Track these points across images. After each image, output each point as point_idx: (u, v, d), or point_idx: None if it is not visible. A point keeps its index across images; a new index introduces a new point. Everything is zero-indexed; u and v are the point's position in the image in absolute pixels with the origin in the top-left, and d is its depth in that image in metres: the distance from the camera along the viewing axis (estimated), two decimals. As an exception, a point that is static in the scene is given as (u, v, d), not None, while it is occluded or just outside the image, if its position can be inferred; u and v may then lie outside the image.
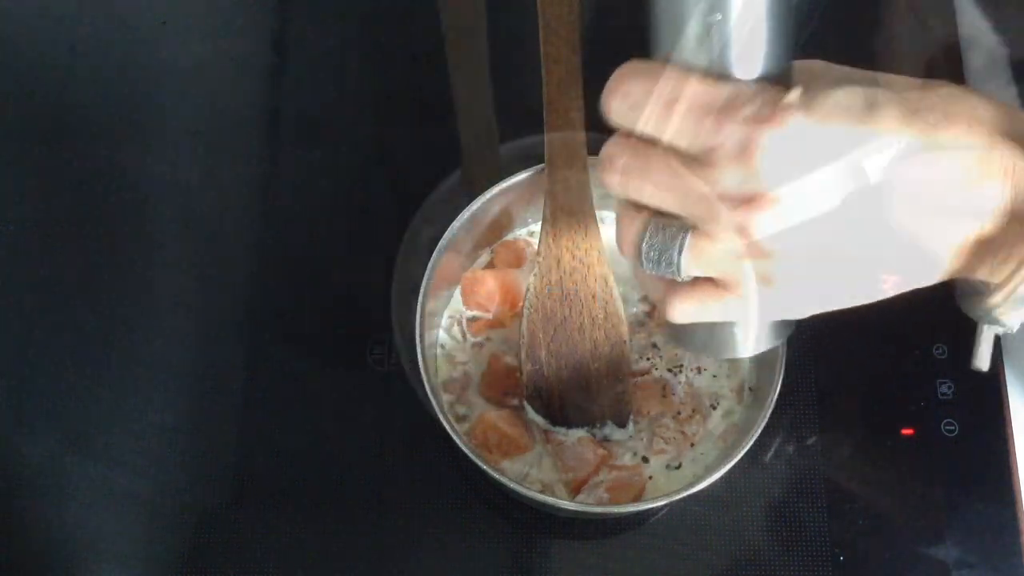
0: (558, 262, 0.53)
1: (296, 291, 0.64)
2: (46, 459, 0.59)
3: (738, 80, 0.36)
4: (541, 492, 0.53)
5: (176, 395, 0.61)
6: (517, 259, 0.60)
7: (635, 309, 0.59)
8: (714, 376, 0.57)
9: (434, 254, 0.54)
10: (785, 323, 0.44)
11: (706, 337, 0.44)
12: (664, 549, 0.57)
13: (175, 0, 0.72)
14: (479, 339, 0.58)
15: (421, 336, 0.53)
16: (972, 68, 0.67)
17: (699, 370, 0.57)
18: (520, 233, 0.61)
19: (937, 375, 0.59)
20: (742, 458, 0.51)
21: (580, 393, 0.55)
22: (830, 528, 0.57)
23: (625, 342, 0.54)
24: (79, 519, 0.58)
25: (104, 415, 0.60)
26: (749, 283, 0.38)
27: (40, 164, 0.67)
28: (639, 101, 0.37)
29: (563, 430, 0.56)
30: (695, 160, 0.36)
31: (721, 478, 0.50)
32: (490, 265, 0.60)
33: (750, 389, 0.57)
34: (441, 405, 0.52)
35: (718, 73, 0.36)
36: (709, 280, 0.39)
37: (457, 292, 0.59)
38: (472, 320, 0.59)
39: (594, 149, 0.51)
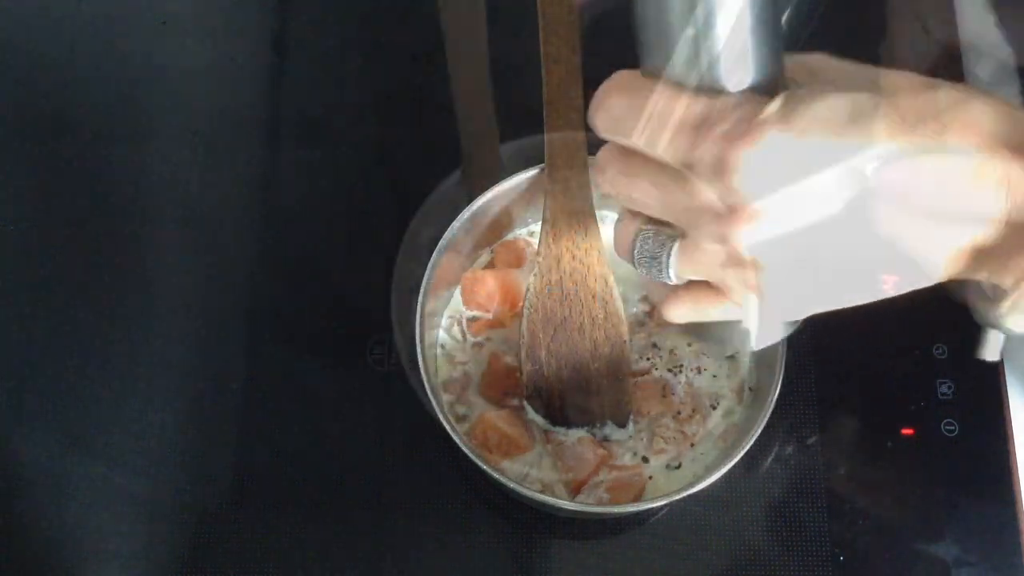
0: (558, 262, 0.53)
1: (296, 291, 0.64)
2: (46, 459, 0.59)
3: (721, 93, 0.35)
4: (541, 492, 0.53)
5: (176, 395, 0.61)
6: (517, 259, 0.60)
7: (635, 309, 0.59)
8: (714, 376, 0.57)
9: (434, 254, 0.54)
10: (791, 322, 0.44)
11: (713, 330, 0.44)
12: (664, 549, 0.57)
13: (175, 0, 0.72)
14: (479, 339, 0.58)
15: (421, 336, 0.53)
16: (972, 70, 0.67)
17: (699, 370, 0.57)
18: (520, 233, 0.61)
19: (937, 375, 0.59)
20: (742, 458, 0.51)
21: (580, 393, 0.55)
22: (830, 528, 0.57)
23: (625, 342, 0.54)
24: (79, 519, 0.58)
25: (104, 415, 0.60)
26: (740, 288, 0.38)
27: (40, 164, 0.67)
28: (622, 116, 0.37)
29: (563, 430, 0.56)
30: (676, 172, 0.36)
31: (721, 478, 0.50)
32: (490, 265, 0.60)
33: (750, 389, 0.57)
34: (441, 405, 0.52)
35: (706, 84, 0.36)
36: (704, 283, 0.40)
37: (457, 292, 0.59)
38: (472, 320, 0.59)
39: (594, 149, 0.51)
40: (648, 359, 0.58)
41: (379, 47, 0.71)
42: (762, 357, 0.56)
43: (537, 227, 0.57)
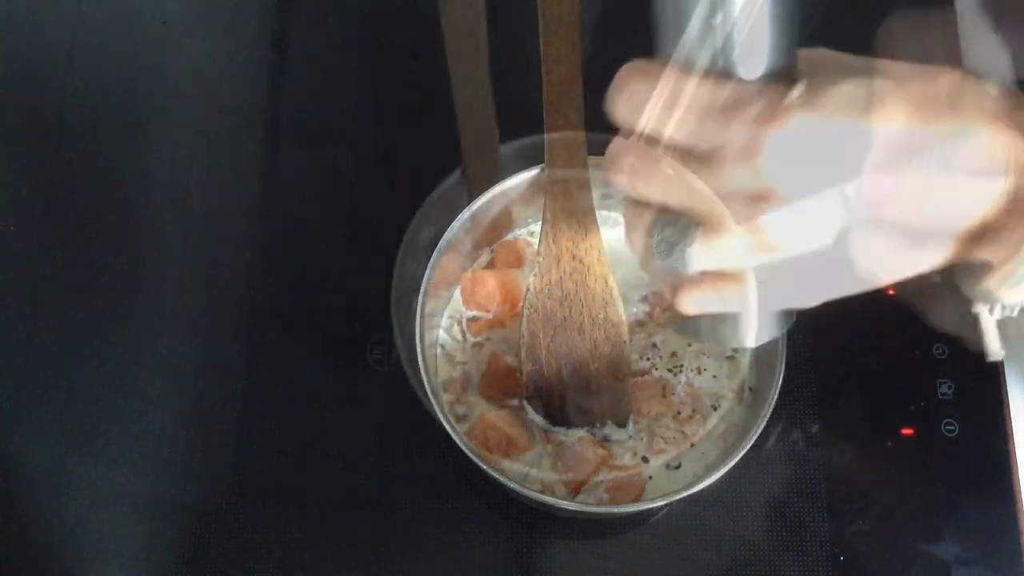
0: (558, 262, 0.53)
1: (296, 291, 0.64)
2: (46, 459, 0.59)
3: (741, 79, 0.36)
4: (541, 492, 0.53)
5: (176, 395, 0.61)
6: (517, 259, 0.60)
7: (635, 309, 0.59)
8: (714, 376, 0.57)
9: (434, 254, 0.54)
10: (787, 313, 0.44)
11: (712, 327, 0.44)
12: (664, 549, 0.57)
13: (175, 0, 0.72)
14: (479, 339, 0.58)
15: (421, 336, 0.53)
16: (972, 68, 0.67)
17: (699, 370, 0.57)
18: (520, 233, 0.61)
19: (937, 375, 0.59)
20: (742, 458, 0.51)
21: (580, 393, 0.55)
22: (830, 528, 0.57)
23: (625, 342, 0.54)
24: (79, 519, 0.58)
25: (104, 415, 0.60)
26: (758, 275, 0.38)
27: (40, 164, 0.67)
28: (643, 101, 0.37)
29: (563, 430, 0.56)
30: (700, 158, 0.36)
31: (721, 478, 0.50)
32: (490, 265, 0.60)
33: (750, 389, 0.57)
34: (441, 405, 0.52)
35: (722, 72, 0.36)
36: (718, 271, 0.40)
37: (457, 292, 0.59)
38: (472, 320, 0.59)
39: (594, 149, 0.51)
40: (648, 359, 0.58)
41: (379, 47, 0.71)
42: (762, 357, 0.56)
43: (537, 227, 0.57)
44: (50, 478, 0.59)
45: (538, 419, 0.56)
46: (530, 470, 0.55)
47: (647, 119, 0.37)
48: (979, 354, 0.42)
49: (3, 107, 0.69)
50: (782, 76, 0.36)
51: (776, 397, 0.52)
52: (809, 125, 0.34)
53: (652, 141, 0.38)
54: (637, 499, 0.54)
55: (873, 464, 0.59)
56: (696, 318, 0.44)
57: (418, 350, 0.53)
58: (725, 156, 0.36)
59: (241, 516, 0.58)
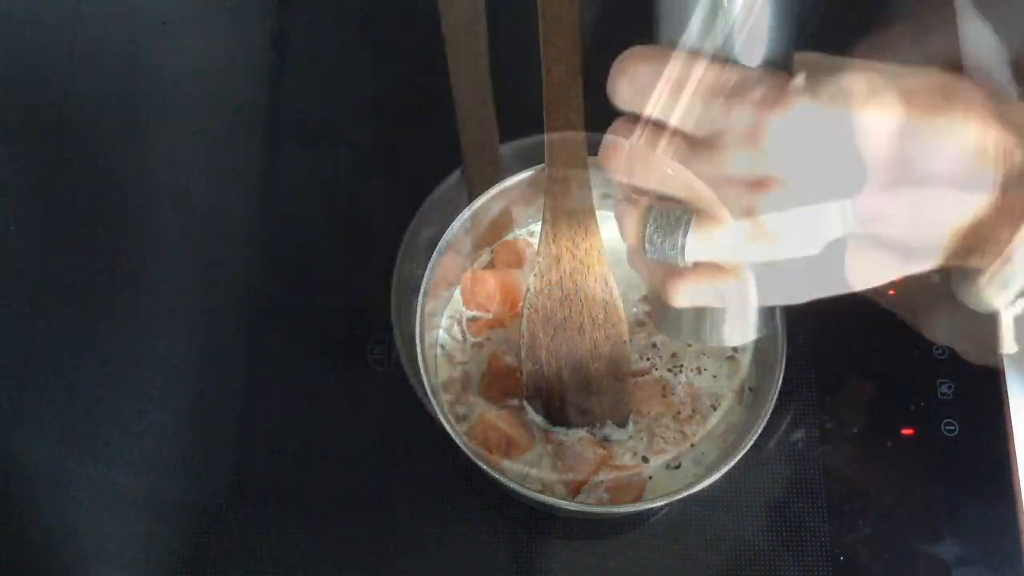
0: (558, 262, 0.53)
1: (296, 291, 0.64)
2: (46, 459, 0.59)
3: (743, 66, 0.36)
4: (541, 492, 0.53)
5: (176, 395, 0.61)
6: (517, 259, 0.60)
7: (635, 309, 0.59)
8: (714, 376, 0.57)
9: (434, 254, 0.54)
10: (769, 313, 0.44)
11: (694, 324, 0.44)
12: (664, 549, 0.57)
13: (175, 0, 0.72)
14: (479, 339, 0.58)
15: (421, 336, 0.53)
16: (972, 69, 0.67)
17: (699, 370, 0.57)
18: (520, 233, 0.61)
19: (937, 375, 0.59)
20: (742, 458, 0.51)
21: (580, 393, 0.55)
22: (830, 528, 0.57)
23: (625, 342, 0.54)
24: (79, 519, 0.58)
25: (104, 415, 0.60)
26: (752, 266, 0.38)
27: (40, 164, 0.67)
28: (646, 84, 0.37)
29: (563, 430, 0.56)
30: (701, 143, 0.37)
31: (721, 478, 0.50)
32: (490, 265, 0.60)
33: (750, 389, 0.57)
34: (441, 405, 0.52)
35: (722, 59, 0.36)
36: (711, 263, 0.40)
37: (457, 292, 0.59)
38: (472, 320, 0.59)
39: (594, 149, 0.51)
40: (648, 359, 0.58)
41: (379, 47, 0.71)
42: (762, 357, 0.56)
43: (537, 227, 0.57)
44: (50, 478, 0.59)
45: (538, 419, 0.56)
46: (530, 470, 0.55)
47: (649, 103, 0.37)
48: (976, 365, 0.43)
49: (3, 107, 0.69)
50: (781, 67, 0.37)
51: (776, 397, 0.52)
52: (811, 111, 0.35)
53: (652, 125, 0.38)
54: (637, 499, 0.54)
55: (873, 464, 0.59)
56: (677, 316, 0.43)
57: (418, 350, 0.53)
58: (727, 141, 0.36)
59: (241, 516, 0.58)
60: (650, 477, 0.55)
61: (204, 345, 0.62)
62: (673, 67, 0.36)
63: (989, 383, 0.59)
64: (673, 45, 0.37)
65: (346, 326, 0.62)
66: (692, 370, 0.57)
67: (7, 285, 0.64)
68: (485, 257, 0.60)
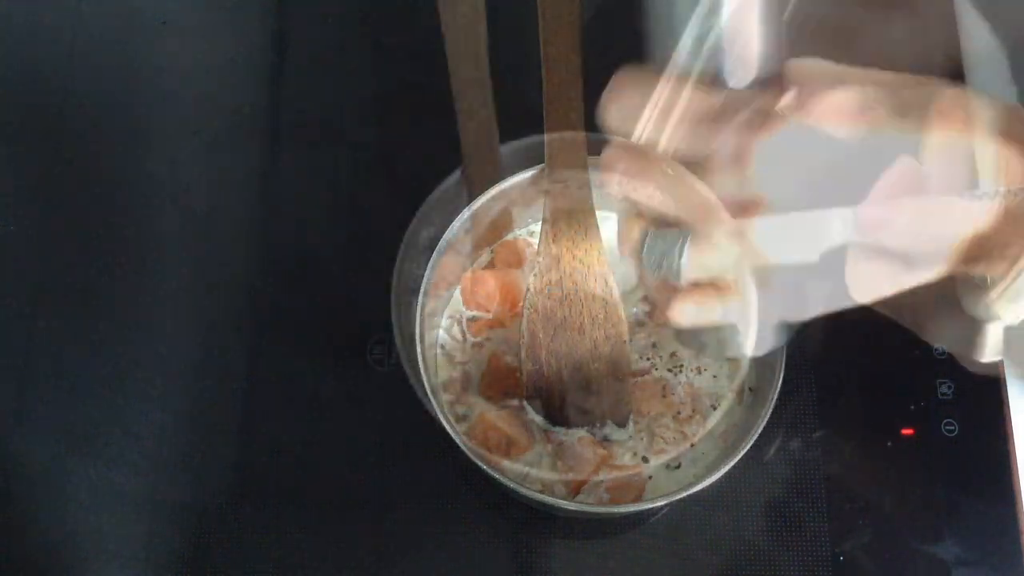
0: (558, 262, 0.53)
1: (296, 291, 0.64)
2: (46, 459, 0.59)
3: (732, 87, 0.36)
4: (541, 492, 0.53)
5: (176, 395, 0.61)
6: (517, 259, 0.60)
7: (635, 309, 0.59)
8: (714, 376, 0.57)
9: (434, 254, 0.54)
10: (788, 324, 0.44)
11: (709, 337, 0.44)
12: (664, 549, 0.57)
13: (175, 0, 0.72)
14: (479, 339, 0.58)
15: (421, 336, 0.53)
16: (972, 68, 0.67)
17: (699, 370, 0.57)
18: (520, 233, 0.61)
19: (937, 375, 0.59)
20: (742, 458, 0.51)
21: (580, 393, 0.55)
22: (830, 528, 0.57)
23: (625, 342, 0.54)
24: (79, 519, 0.58)
25: (104, 415, 0.60)
26: (749, 286, 0.38)
27: (40, 164, 0.67)
28: (635, 110, 0.37)
29: (563, 430, 0.56)
30: (692, 166, 0.37)
31: (721, 478, 0.50)
32: (490, 265, 0.60)
33: (750, 389, 0.57)
34: (441, 405, 0.52)
35: (713, 80, 0.36)
36: (710, 283, 0.40)
37: (457, 292, 0.59)
38: (472, 320, 0.59)
39: (594, 149, 0.51)
40: (648, 359, 0.58)
41: (379, 47, 0.71)
42: (762, 357, 0.56)
43: (537, 227, 0.57)
44: (50, 478, 0.59)
45: (538, 419, 0.56)
46: (530, 470, 0.55)
47: (638, 128, 0.37)
48: (977, 372, 0.42)
49: (3, 107, 0.69)
50: (772, 84, 0.36)
51: (776, 397, 0.52)
52: (798, 133, 0.34)
53: (644, 148, 0.38)
54: (637, 499, 0.54)
55: (873, 464, 0.59)
56: (695, 328, 0.44)
57: (418, 350, 0.53)
58: (715, 164, 0.36)
59: (241, 516, 0.58)
60: (650, 477, 0.55)
61: (204, 345, 0.62)
62: (659, 92, 0.36)
63: (989, 383, 0.59)
64: (664, 64, 0.37)
65: (346, 326, 0.62)
66: (692, 370, 0.57)
67: (7, 285, 0.64)
68: (485, 257, 0.60)
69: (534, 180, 0.55)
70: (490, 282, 0.58)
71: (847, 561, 0.56)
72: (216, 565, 0.57)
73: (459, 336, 0.59)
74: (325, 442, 0.60)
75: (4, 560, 0.58)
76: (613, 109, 0.38)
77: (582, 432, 0.56)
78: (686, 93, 0.36)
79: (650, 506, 0.54)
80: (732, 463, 0.50)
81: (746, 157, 0.35)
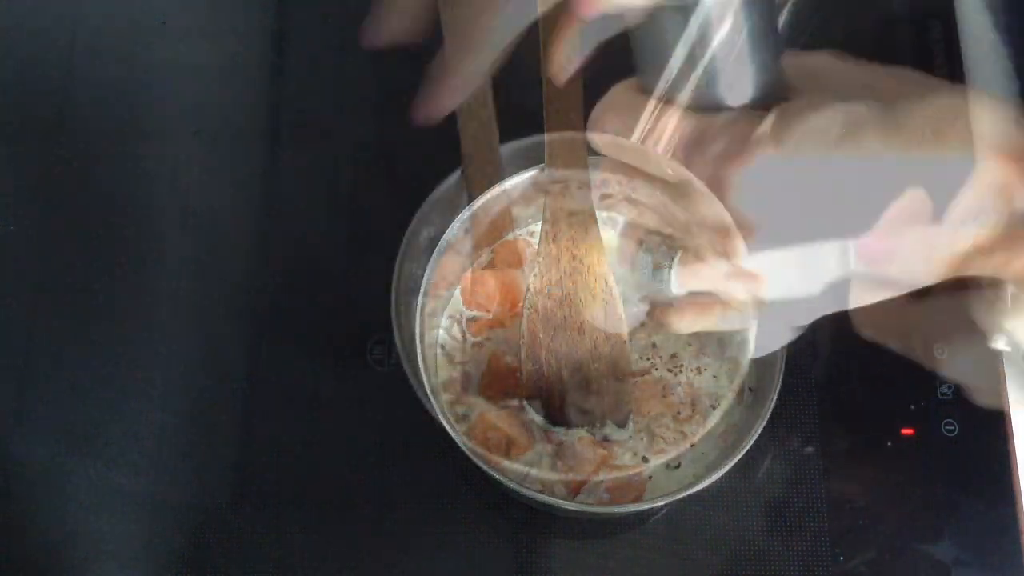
0: (558, 262, 0.53)
1: (296, 291, 0.64)
2: (46, 459, 0.59)
3: (720, 108, 0.36)
4: (541, 492, 0.53)
5: (176, 395, 0.61)
6: (517, 259, 0.60)
7: (635, 309, 0.59)
8: (714, 376, 0.57)
9: (434, 254, 0.54)
10: (793, 328, 0.44)
11: (706, 339, 0.44)
12: (664, 549, 0.57)
13: (175, 0, 0.72)
14: (479, 339, 0.58)
15: (421, 336, 0.53)
16: (972, 68, 0.67)
17: (699, 370, 0.57)
18: (520, 233, 0.61)
19: (937, 375, 0.59)
20: (742, 458, 0.51)
21: (580, 393, 0.55)
22: (830, 528, 0.57)
23: (625, 342, 0.54)
24: (79, 519, 0.58)
25: (104, 415, 0.60)
26: (742, 299, 0.38)
27: (40, 164, 0.67)
28: (619, 136, 0.37)
29: (563, 430, 0.56)
30: (675, 189, 0.36)
31: (721, 478, 0.50)
32: (490, 265, 0.60)
33: (750, 389, 0.57)
34: (441, 405, 0.52)
35: (703, 100, 0.36)
36: (706, 293, 0.40)
37: (457, 292, 0.59)
38: (472, 320, 0.59)
39: (594, 150, 0.51)
40: (648, 359, 0.58)
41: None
42: (762, 357, 0.56)
43: (537, 227, 0.57)
44: (50, 478, 0.59)
45: (538, 419, 0.56)
46: (530, 470, 0.55)
47: (622, 153, 0.37)
48: (984, 405, 0.42)
49: (3, 107, 0.69)
50: (768, 99, 0.36)
51: (776, 397, 0.52)
52: (776, 160, 0.34)
53: (634, 167, 0.38)
54: (637, 499, 0.54)
55: (873, 464, 0.59)
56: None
57: (418, 350, 0.53)
58: (696, 189, 0.36)
59: (241, 516, 0.58)
60: (650, 477, 0.55)
61: (204, 345, 0.62)
62: (640, 120, 0.36)
63: (989, 383, 0.59)
64: (652, 85, 0.36)
65: (346, 326, 0.62)
66: (692, 370, 0.57)
67: (7, 285, 0.64)
68: (485, 257, 0.60)
69: (534, 180, 0.55)
70: (490, 282, 0.58)
71: (847, 561, 0.56)
72: (216, 565, 0.57)
73: (459, 336, 0.59)
74: (325, 442, 0.60)
75: (4, 560, 0.58)
76: (598, 134, 0.38)
77: (582, 432, 0.56)
78: (671, 119, 0.36)
79: (650, 506, 0.54)
80: (732, 463, 0.50)
81: (723, 187, 0.34)
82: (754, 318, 0.40)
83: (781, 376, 0.52)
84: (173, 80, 0.69)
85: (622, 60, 0.38)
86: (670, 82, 0.36)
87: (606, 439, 0.56)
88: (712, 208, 0.35)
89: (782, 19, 0.37)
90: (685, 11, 0.34)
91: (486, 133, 0.58)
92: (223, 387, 0.61)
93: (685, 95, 0.36)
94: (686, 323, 0.41)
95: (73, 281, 0.64)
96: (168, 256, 0.65)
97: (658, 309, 0.42)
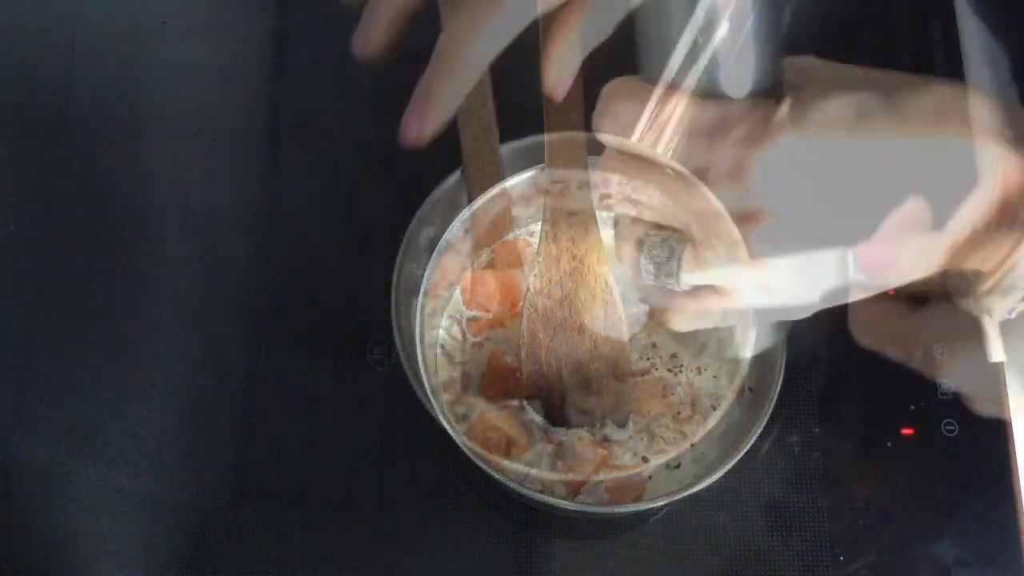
0: (558, 262, 0.53)
1: (296, 291, 0.64)
2: (46, 459, 0.59)
3: (727, 98, 0.36)
4: (541, 492, 0.53)
5: (176, 395, 0.61)
6: (517, 259, 0.60)
7: (635, 309, 0.59)
8: (714, 376, 0.57)
9: (434, 254, 0.55)
10: (784, 322, 0.44)
11: (709, 337, 0.44)
12: (664, 549, 0.57)
13: (175, 0, 0.72)
14: (479, 339, 0.58)
15: (421, 336, 0.53)
16: (972, 68, 0.67)
17: (699, 370, 0.57)
18: (520, 233, 0.61)
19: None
20: (742, 458, 0.51)
21: (580, 393, 0.55)
22: (830, 528, 0.57)
23: (625, 342, 0.54)
24: (79, 519, 0.58)
25: (104, 415, 0.60)
26: (748, 291, 0.38)
27: (40, 164, 0.67)
28: (629, 123, 0.37)
29: (563, 430, 0.56)
30: (687, 177, 0.36)
31: (721, 478, 0.50)
32: (490, 265, 0.60)
33: (750, 389, 0.57)
34: (441, 405, 0.52)
35: (708, 91, 0.36)
36: (708, 288, 0.40)
37: (457, 292, 0.59)
38: (472, 320, 0.59)
39: (594, 149, 0.51)
40: (648, 359, 0.58)
41: (379, 47, 0.71)
42: (762, 357, 0.56)
43: (537, 227, 0.57)
44: (50, 478, 0.59)
45: (538, 419, 0.56)
46: (530, 470, 0.55)
47: (633, 142, 0.37)
48: (985, 414, 0.43)
49: (3, 107, 0.69)
50: (769, 92, 0.36)
51: (776, 397, 0.52)
52: (797, 144, 0.34)
53: (641, 158, 0.38)
54: (637, 499, 0.54)
55: (873, 464, 0.59)
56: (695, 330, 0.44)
57: (418, 350, 0.53)
58: (713, 178, 0.35)
59: (241, 516, 0.58)
60: (650, 477, 0.55)
61: (204, 345, 0.62)
62: (654, 105, 0.36)
63: (989, 383, 0.59)
64: (657, 78, 0.36)
65: (346, 326, 0.62)
66: (692, 370, 0.57)
67: (7, 285, 0.64)
68: (485, 257, 0.60)
69: (534, 180, 0.55)
70: (490, 282, 0.58)
71: (847, 561, 0.56)
72: (216, 565, 0.57)
73: (459, 336, 0.59)
74: (325, 442, 0.60)
75: (4, 560, 0.58)
76: (607, 121, 0.38)
77: (582, 432, 0.56)
78: (682, 105, 0.36)
79: (650, 506, 0.54)
80: (732, 463, 0.50)
81: (745, 171, 0.34)
82: (753, 319, 0.40)
83: (781, 376, 0.52)
84: (173, 80, 0.69)
85: (621, 61, 0.38)
86: (675, 69, 0.36)
87: (606, 439, 0.56)
88: (713, 206, 0.35)
89: (785, 15, 0.37)
90: None
91: (486, 133, 0.58)
92: (223, 387, 0.61)
93: (690, 82, 0.36)
94: (687, 320, 0.41)
95: (73, 281, 0.64)
96: (168, 256, 0.65)
97: (657, 309, 0.42)
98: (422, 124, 0.40)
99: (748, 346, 0.43)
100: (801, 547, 0.56)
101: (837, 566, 0.56)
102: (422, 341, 0.53)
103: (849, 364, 0.61)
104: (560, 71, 0.39)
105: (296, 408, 0.61)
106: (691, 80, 0.36)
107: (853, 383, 0.61)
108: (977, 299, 0.39)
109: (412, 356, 0.53)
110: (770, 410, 0.51)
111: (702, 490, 0.50)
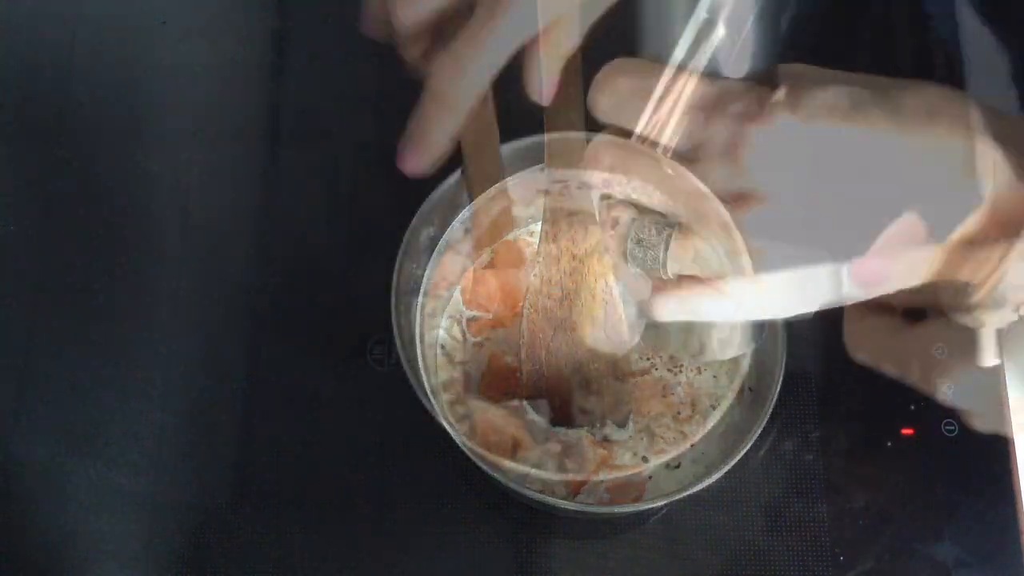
0: (558, 262, 0.53)
1: (296, 291, 0.64)
2: (46, 459, 0.59)
3: (726, 79, 0.36)
4: (541, 492, 0.53)
5: (176, 395, 0.61)
6: (517, 259, 0.60)
7: (635, 309, 0.58)
8: (714, 376, 0.57)
9: (434, 254, 0.55)
10: (759, 327, 0.44)
11: (683, 338, 0.44)
12: (664, 549, 0.57)
13: (175, 0, 0.72)
14: (479, 339, 0.59)
15: (421, 336, 0.53)
16: (972, 69, 0.67)
17: (699, 370, 0.57)
18: (520, 233, 0.61)
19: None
20: (742, 458, 0.51)
21: (580, 393, 0.55)
22: (830, 528, 0.57)
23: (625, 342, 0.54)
24: (79, 519, 0.58)
25: (104, 415, 0.60)
26: (735, 280, 0.38)
27: (40, 164, 0.67)
28: (627, 98, 0.37)
29: (563, 430, 0.56)
30: (683, 156, 0.36)
31: (721, 478, 0.50)
32: (490, 265, 0.60)
33: (750, 389, 0.57)
34: (441, 405, 0.52)
35: (705, 72, 0.36)
36: (694, 277, 0.40)
37: (457, 292, 0.59)
38: (472, 320, 0.59)
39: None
40: (648, 359, 0.58)
41: (379, 47, 0.71)
42: (762, 357, 0.56)
43: (537, 227, 0.57)
44: (50, 478, 0.59)
45: (538, 419, 0.56)
46: (530, 470, 0.55)
47: (629, 116, 0.37)
48: (984, 430, 0.43)
49: (3, 107, 0.69)
50: (764, 79, 0.36)
51: (776, 397, 0.52)
52: (793, 126, 0.34)
53: (634, 138, 0.38)
54: (637, 499, 0.54)
55: (873, 464, 0.59)
56: (665, 328, 0.43)
57: (418, 350, 0.53)
58: (707, 153, 0.36)
59: (241, 516, 0.58)
60: (650, 477, 0.55)
61: (204, 345, 0.62)
62: (653, 81, 0.36)
63: (989, 383, 0.59)
64: (657, 58, 0.37)
65: (346, 326, 0.62)
66: (692, 370, 0.57)
67: (7, 285, 0.64)
68: (485, 257, 0.60)
69: (534, 180, 0.55)
70: (490, 282, 0.58)
71: (847, 561, 0.56)
72: (216, 565, 0.57)
73: (459, 336, 0.59)
74: (325, 442, 0.60)
75: (4, 560, 0.58)
76: (605, 94, 0.38)
77: (582, 432, 0.56)
78: (680, 81, 0.36)
79: (650, 506, 0.54)
80: (732, 463, 0.50)
81: (740, 147, 0.35)
82: (740, 308, 0.39)
83: (781, 376, 0.52)
84: (173, 80, 0.69)
85: (621, 55, 0.38)
86: (676, 48, 0.36)
87: (606, 439, 0.56)
88: (711, 205, 0.35)
89: (784, 17, 0.37)
90: None
91: (486, 133, 0.58)
92: (223, 387, 0.61)
93: (690, 64, 0.36)
94: (672, 309, 0.41)
95: (73, 281, 0.64)
96: (168, 256, 0.65)
97: (643, 291, 0.41)
98: (419, 160, 0.41)
99: (734, 345, 0.43)
100: (801, 547, 0.56)
101: (837, 566, 0.56)
102: (422, 341, 0.53)
103: (849, 364, 0.61)
104: (544, 74, 0.40)
105: (296, 408, 0.61)
106: (690, 60, 0.36)
107: (853, 383, 0.61)
108: (970, 311, 0.39)
109: (412, 356, 0.53)
110: (770, 410, 0.51)
111: (702, 490, 0.50)
